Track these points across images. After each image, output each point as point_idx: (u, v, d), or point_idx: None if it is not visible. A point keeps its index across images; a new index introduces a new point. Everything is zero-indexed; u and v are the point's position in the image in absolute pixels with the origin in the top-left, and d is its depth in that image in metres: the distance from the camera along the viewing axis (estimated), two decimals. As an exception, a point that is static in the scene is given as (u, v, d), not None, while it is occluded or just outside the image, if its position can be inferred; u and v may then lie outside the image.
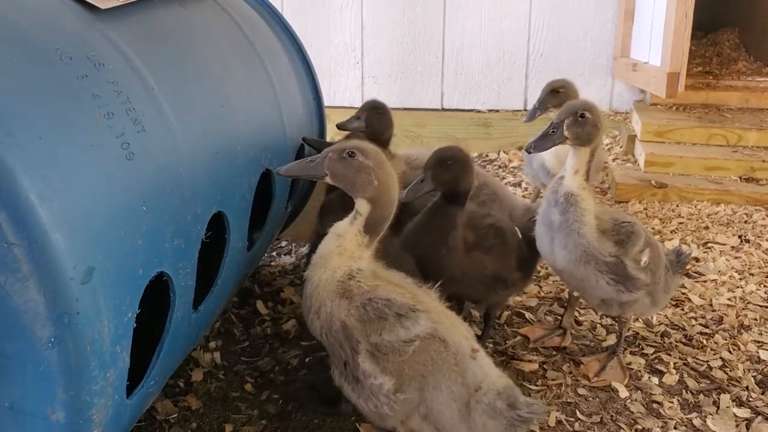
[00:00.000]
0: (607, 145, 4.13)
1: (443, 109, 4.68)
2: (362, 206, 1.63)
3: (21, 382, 1.09)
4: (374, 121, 2.50)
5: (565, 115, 1.98)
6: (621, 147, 4.05)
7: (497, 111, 4.58)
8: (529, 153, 2.18)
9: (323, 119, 2.71)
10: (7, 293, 1.04)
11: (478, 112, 4.60)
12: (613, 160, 3.93)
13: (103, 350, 1.15)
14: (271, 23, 2.58)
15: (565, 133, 1.98)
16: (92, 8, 1.47)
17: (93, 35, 1.40)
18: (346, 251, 1.63)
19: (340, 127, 2.47)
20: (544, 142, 2.03)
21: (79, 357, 1.10)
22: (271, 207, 2.16)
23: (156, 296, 1.42)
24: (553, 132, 2.00)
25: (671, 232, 3.16)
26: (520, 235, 2.20)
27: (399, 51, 4.66)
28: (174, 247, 1.44)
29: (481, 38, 4.54)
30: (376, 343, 1.57)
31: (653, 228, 3.19)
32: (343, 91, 4.75)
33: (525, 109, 4.57)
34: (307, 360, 2.23)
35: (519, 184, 3.81)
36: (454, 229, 2.01)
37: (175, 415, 1.97)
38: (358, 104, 4.73)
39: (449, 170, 1.98)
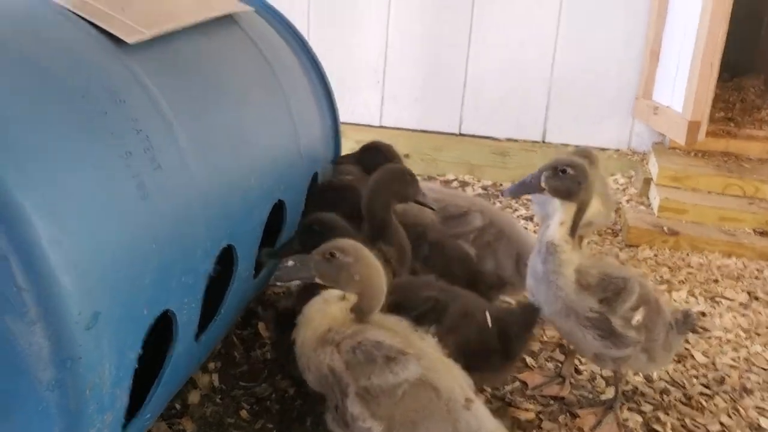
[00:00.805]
0: (621, 185, 4.12)
1: (461, 134, 4.68)
2: (350, 295, 1.67)
3: (22, 420, 1.10)
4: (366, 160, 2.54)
5: (546, 167, 2.02)
6: (636, 189, 4.04)
7: (515, 140, 4.57)
8: (502, 196, 2.20)
9: (338, 144, 2.72)
10: (14, 336, 1.05)
11: (496, 140, 4.59)
12: (627, 201, 3.92)
13: (102, 393, 1.16)
14: (294, 47, 2.59)
15: (542, 184, 2.00)
16: (118, 40, 1.48)
17: (116, 69, 1.41)
18: (328, 315, 1.66)
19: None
20: (519, 188, 2.09)
21: (78, 400, 1.11)
22: (280, 235, 2.16)
23: (156, 323, 1.43)
24: (531, 180, 2.04)
25: (679, 282, 3.14)
26: (489, 321, 1.93)
27: (421, 73, 4.67)
28: (181, 284, 1.45)
29: (504, 66, 4.54)
30: (365, 386, 1.57)
31: (661, 276, 3.17)
32: (362, 110, 4.76)
33: (543, 141, 4.57)
34: (302, 390, 2.24)
35: (531, 218, 3.80)
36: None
37: (169, 438, 1.99)
38: (377, 123, 4.79)
39: (316, 235, 1.88)
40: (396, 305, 1.78)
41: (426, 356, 1.62)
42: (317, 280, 1.67)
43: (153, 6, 1.70)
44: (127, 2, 1.61)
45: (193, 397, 2.15)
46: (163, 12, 1.71)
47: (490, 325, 1.89)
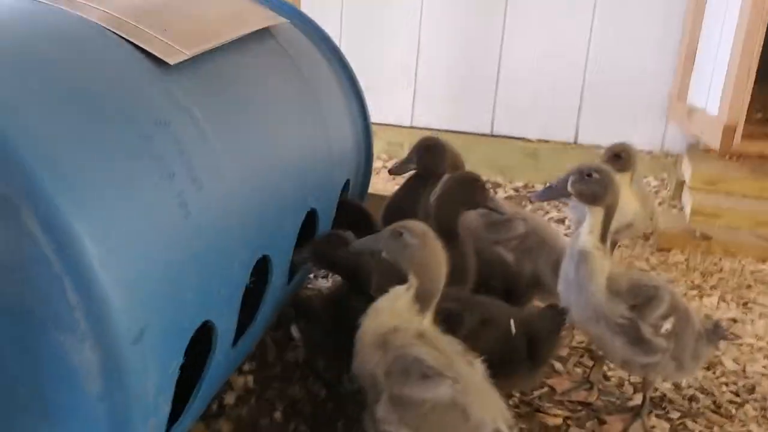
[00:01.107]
0: (654, 188, 4.10)
1: (492, 135, 4.70)
2: (412, 279, 1.72)
3: (74, 428, 1.18)
4: (425, 159, 2.55)
5: (572, 172, 2.06)
6: (668, 191, 4.02)
7: (546, 141, 4.58)
8: (531, 203, 2.22)
9: (370, 153, 2.77)
10: (66, 351, 1.12)
11: (528, 140, 4.60)
12: (660, 204, 3.91)
13: (147, 402, 1.23)
14: (328, 55, 2.64)
15: (569, 188, 2.04)
16: (160, 61, 1.54)
17: (158, 92, 1.48)
18: (396, 312, 1.72)
19: (392, 172, 2.54)
20: (545, 193, 2.15)
21: (126, 410, 1.18)
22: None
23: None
24: (557, 186, 2.08)
25: (711, 287, 3.14)
26: (513, 328, 1.94)
27: (452, 73, 4.69)
28: (219, 296, 1.51)
29: (536, 67, 4.54)
30: (398, 395, 1.64)
31: (692, 281, 3.17)
32: (393, 110, 4.80)
33: (575, 142, 4.57)
34: (334, 392, 2.30)
35: (563, 221, 3.82)
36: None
37: (207, 439, 2.06)
38: (408, 124, 4.82)
39: (330, 247, 1.99)
40: None
41: (464, 381, 1.65)
42: (384, 255, 1.76)
43: (192, 25, 1.77)
44: (168, 23, 1.68)
45: (229, 398, 2.23)
46: (202, 30, 1.77)
47: (513, 331, 1.92)
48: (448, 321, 1.84)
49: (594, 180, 2.02)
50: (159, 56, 1.53)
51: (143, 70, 1.50)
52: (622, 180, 2.63)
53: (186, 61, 1.62)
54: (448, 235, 2.13)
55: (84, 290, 1.10)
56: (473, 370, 1.70)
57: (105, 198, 1.18)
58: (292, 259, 1.98)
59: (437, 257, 1.74)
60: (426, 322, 1.75)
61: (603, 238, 2.07)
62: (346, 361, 1.78)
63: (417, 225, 1.76)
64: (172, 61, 1.54)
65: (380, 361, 1.68)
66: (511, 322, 1.94)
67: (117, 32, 1.53)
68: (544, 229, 2.62)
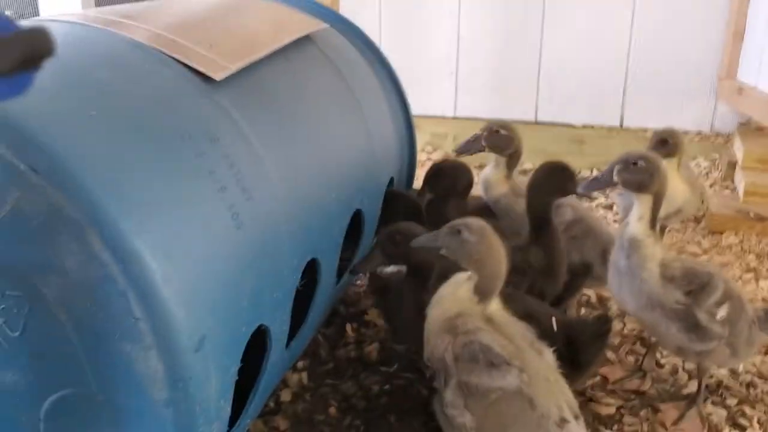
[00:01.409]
0: (704, 169, 4.04)
1: (537, 123, 4.68)
2: (472, 274, 1.77)
3: (141, 434, 1.25)
4: (494, 142, 2.62)
5: (617, 161, 2.06)
6: (720, 172, 3.95)
7: (592, 127, 4.54)
8: (577, 194, 2.22)
9: (414, 149, 2.80)
10: (132, 360, 1.20)
11: (573, 127, 4.57)
12: (711, 186, 3.85)
13: (210, 407, 1.30)
14: (368, 56, 2.68)
15: (615, 178, 2.04)
16: (207, 78, 1.60)
17: (208, 108, 1.54)
18: (458, 298, 1.77)
19: (459, 152, 2.59)
20: (592, 184, 2.14)
21: (190, 416, 1.25)
22: (360, 242, 2.27)
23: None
24: (603, 176, 2.09)
25: (767, 270, 3.09)
26: (555, 325, 1.95)
27: (494, 63, 4.68)
28: (272, 300, 1.57)
29: (579, 52, 4.50)
30: (465, 381, 1.68)
31: (747, 264, 3.13)
32: (436, 101, 4.82)
33: (621, 126, 4.52)
34: (386, 387, 2.35)
35: (611, 207, 3.79)
36: (407, 306, 1.99)
37: (266, 436, 2.14)
38: (451, 114, 4.84)
39: (397, 246, 1.96)
40: None
41: (531, 370, 1.67)
42: (443, 252, 1.80)
43: (235, 38, 1.83)
44: (213, 38, 1.74)
45: (285, 396, 2.30)
46: (246, 43, 1.83)
47: (555, 329, 1.92)
48: None
49: (640, 168, 2.02)
50: (206, 73, 1.60)
51: (192, 88, 1.56)
52: (669, 165, 2.62)
53: (232, 75, 1.68)
54: (540, 223, 2.25)
55: (147, 304, 1.17)
56: (541, 359, 1.73)
57: (164, 216, 1.25)
58: (363, 268, 2.03)
59: (496, 253, 1.77)
60: (494, 306, 1.79)
61: (652, 224, 2.08)
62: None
63: (475, 221, 1.79)
64: (218, 77, 1.60)
65: (449, 346, 1.72)
66: (553, 319, 1.95)
67: (165, 51, 1.60)
68: (591, 218, 2.63)
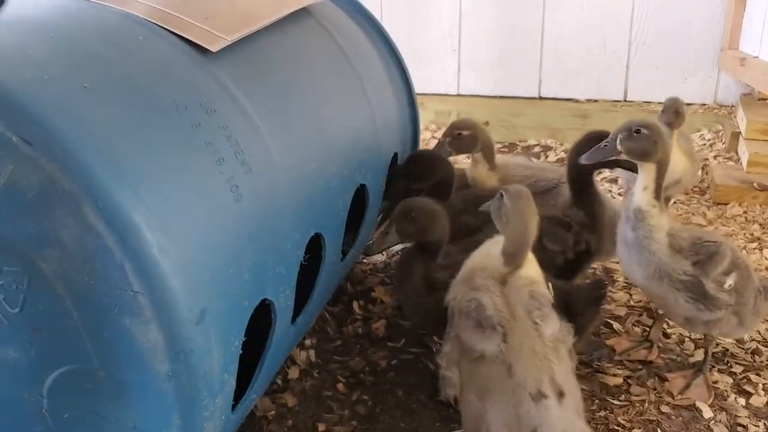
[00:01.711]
0: (708, 140, 4.01)
1: (540, 98, 4.64)
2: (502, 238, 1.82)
3: (143, 407, 1.24)
4: (458, 146, 2.61)
5: (620, 130, 2.04)
6: (723, 143, 3.92)
7: (596, 101, 4.51)
8: (581, 164, 2.20)
9: (417, 125, 2.78)
10: (132, 333, 1.18)
11: (576, 101, 4.53)
12: (715, 157, 3.82)
13: (213, 380, 1.29)
14: (368, 30, 2.65)
15: (618, 147, 2.03)
16: (203, 49, 1.58)
17: (204, 80, 1.52)
18: (489, 255, 1.82)
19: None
20: (595, 154, 2.11)
21: (192, 389, 1.23)
22: (364, 218, 2.26)
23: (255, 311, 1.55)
24: (606, 145, 2.07)
25: (772, 239, 3.07)
26: (550, 288, 1.90)
27: (496, 38, 4.64)
28: (275, 275, 1.56)
29: (581, 26, 4.46)
30: (458, 335, 1.73)
31: (752, 234, 3.10)
32: (438, 79, 4.78)
33: (625, 100, 4.48)
34: (394, 362, 2.34)
35: (615, 181, 3.77)
36: (411, 275, 2.00)
37: (273, 412, 2.13)
38: (454, 92, 4.81)
39: (414, 223, 1.96)
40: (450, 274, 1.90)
41: (518, 339, 1.66)
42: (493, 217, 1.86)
43: (232, 10, 1.80)
44: (209, 10, 1.71)
45: (293, 373, 2.30)
46: (243, 15, 1.80)
47: (552, 293, 1.88)
48: None
49: (643, 136, 2.00)
50: (202, 44, 1.57)
51: (188, 59, 1.54)
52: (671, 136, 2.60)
53: (228, 46, 1.65)
54: (581, 186, 2.32)
55: (145, 277, 1.16)
56: (536, 330, 1.70)
57: (160, 187, 1.23)
58: (379, 247, 2.05)
59: (524, 220, 1.79)
60: (526, 272, 1.79)
61: (657, 194, 2.05)
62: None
63: (516, 188, 1.84)
64: (214, 48, 1.58)
65: (461, 297, 1.77)
66: (549, 284, 1.91)
67: (161, 24, 1.58)
68: None
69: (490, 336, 1.66)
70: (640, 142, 2.00)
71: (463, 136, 2.57)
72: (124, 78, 1.35)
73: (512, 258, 1.79)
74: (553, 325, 1.73)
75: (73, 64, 1.30)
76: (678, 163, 2.72)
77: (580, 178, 2.34)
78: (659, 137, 2.01)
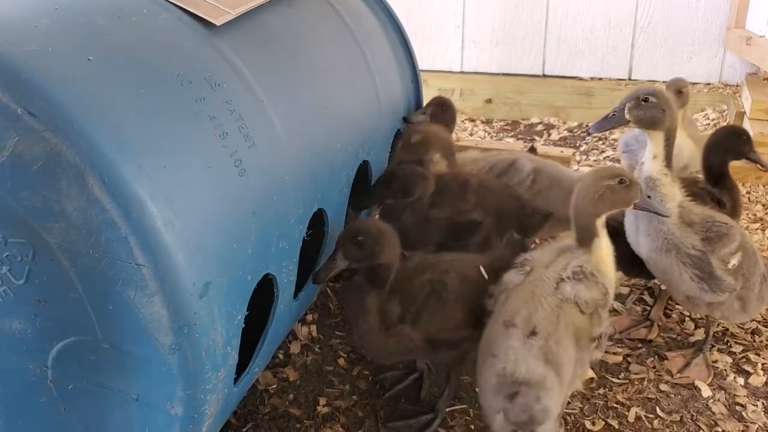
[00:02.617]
0: (713, 120, 3.99)
1: (544, 76, 4.61)
2: None
3: (146, 379, 1.26)
4: (439, 117, 2.57)
5: (627, 99, 2.04)
6: (728, 123, 3.90)
7: (600, 79, 4.48)
8: (589, 134, 2.20)
9: (420, 102, 2.76)
10: (136, 306, 1.19)
11: (581, 79, 4.51)
12: (719, 137, 3.80)
13: (216, 353, 1.30)
14: (373, 6, 2.63)
15: (627, 116, 2.03)
16: (208, 23, 1.57)
17: (209, 54, 1.51)
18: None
19: (405, 120, 2.55)
20: (603, 123, 2.10)
21: (196, 362, 1.25)
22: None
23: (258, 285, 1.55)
24: (613, 115, 2.06)
25: (774, 220, 3.07)
26: (485, 273, 1.89)
27: (501, 16, 4.60)
28: (279, 250, 1.56)
29: (586, 4, 4.41)
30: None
31: (754, 214, 3.10)
32: (442, 55, 4.75)
33: (629, 79, 4.45)
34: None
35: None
36: (365, 313, 1.82)
37: (275, 386, 2.15)
38: (458, 69, 4.78)
39: (361, 247, 1.76)
40: (400, 300, 1.82)
41: (533, 282, 1.73)
42: None
43: (237, -16, 1.79)
44: (213, -16, 1.70)
45: (294, 348, 2.31)
46: (247, -11, 1.79)
47: (486, 277, 1.87)
48: (436, 291, 1.83)
49: (651, 104, 2.00)
50: (206, 18, 1.57)
51: (192, 33, 1.54)
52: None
53: (233, 20, 1.65)
54: (718, 176, 2.33)
55: (149, 250, 1.16)
56: (554, 284, 1.73)
57: (164, 161, 1.23)
58: (324, 275, 1.81)
59: (580, 200, 1.83)
60: (601, 243, 1.81)
61: (668, 163, 2.03)
62: None
63: (615, 168, 1.89)
64: (219, 22, 1.57)
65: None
66: (482, 269, 1.90)
67: (165, -2, 1.57)
68: (549, 167, 2.53)
69: (518, 272, 1.77)
70: (649, 110, 2.00)
71: (414, 143, 2.31)
72: (128, 51, 1.35)
73: (579, 240, 1.82)
74: (579, 293, 1.72)
75: (77, 36, 1.30)
76: (684, 148, 2.69)
77: (717, 170, 2.34)
78: (668, 105, 2.01)
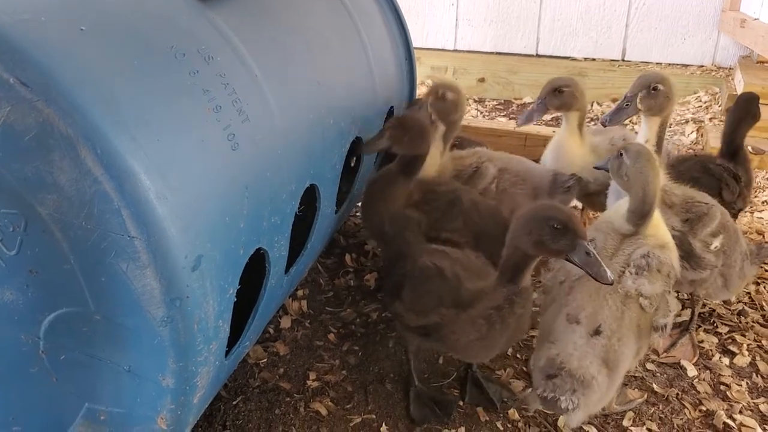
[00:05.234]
0: (705, 102, 4.00)
1: (538, 56, 4.61)
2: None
3: (138, 350, 1.26)
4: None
5: (638, 88, 2.11)
6: (720, 106, 3.91)
7: (593, 60, 4.48)
8: (605, 126, 2.21)
9: (414, 80, 2.76)
10: (128, 278, 1.19)
11: (574, 59, 4.50)
12: (710, 119, 3.81)
13: (207, 326, 1.30)
14: (368, -18, 2.61)
15: (639, 105, 2.10)
16: (202, -4, 1.56)
17: (203, 27, 1.50)
18: (618, 213, 1.87)
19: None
20: (618, 115, 2.16)
21: (187, 334, 1.25)
22: (359, 171, 2.26)
23: (250, 260, 1.56)
24: (627, 105, 2.13)
25: (763, 203, 3.09)
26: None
27: (496, -6, 4.59)
28: (271, 225, 1.57)
29: (582, -17, 4.41)
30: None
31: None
32: (435, 33, 4.73)
33: (623, 59, 4.45)
34: (384, 314, 2.37)
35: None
36: (393, 197, 2.11)
37: (265, 360, 2.16)
38: (451, 47, 4.77)
39: (408, 133, 2.05)
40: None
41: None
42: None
43: (231, -43, 1.77)
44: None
45: (285, 322, 2.32)
46: (241, -38, 1.77)
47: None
48: (406, 279, 1.88)
49: (660, 92, 2.08)
50: (199, -9, 1.55)
51: (185, 5, 1.52)
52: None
53: (226, -7, 1.63)
54: (735, 151, 2.41)
55: (142, 222, 1.16)
56: (618, 278, 1.74)
57: (157, 133, 1.23)
58: (370, 145, 2.11)
59: (645, 176, 1.81)
60: (658, 231, 1.83)
61: (659, 148, 2.09)
62: None
63: (635, 145, 1.89)
64: (212, -5, 1.56)
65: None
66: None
67: (158, -31, 1.55)
68: (514, 164, 2.45)
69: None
70: (658, 98, 2.08)
71: (448, 99, 2.34)
72: (122, 22, 1.34)
73: (634, 216, 1.81)
74: (642, 287, 1.73)
75: (69, 6, 1.28)
76: (576, 155, 2.51)
77: (736, 142, 2.42)
78: (673, 93, 2.09)
